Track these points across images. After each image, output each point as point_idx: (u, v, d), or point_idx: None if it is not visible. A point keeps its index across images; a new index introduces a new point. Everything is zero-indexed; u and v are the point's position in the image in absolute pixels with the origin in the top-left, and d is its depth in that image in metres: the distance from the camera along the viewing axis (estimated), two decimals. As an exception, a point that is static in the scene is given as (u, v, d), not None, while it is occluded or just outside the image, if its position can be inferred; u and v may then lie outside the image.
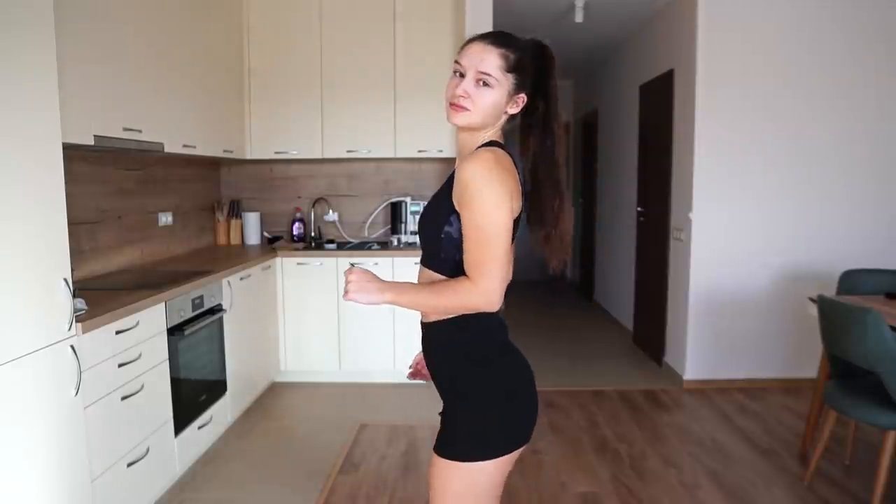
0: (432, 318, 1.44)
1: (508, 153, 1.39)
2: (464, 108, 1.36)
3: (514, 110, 1.39)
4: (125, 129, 2.81)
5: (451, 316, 1.40)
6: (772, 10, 4.06)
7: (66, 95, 2.27)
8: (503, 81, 1.35)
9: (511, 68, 1.35)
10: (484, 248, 1.28)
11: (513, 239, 1.38)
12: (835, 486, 2.89)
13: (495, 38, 1.37)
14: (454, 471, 1.38)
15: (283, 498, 2.81)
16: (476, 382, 1.39)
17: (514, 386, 1.41)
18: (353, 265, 1.43)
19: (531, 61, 1.39)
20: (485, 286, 1.29)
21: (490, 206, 1.27)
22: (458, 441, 1.39)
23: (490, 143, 1.38)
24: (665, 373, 4.61)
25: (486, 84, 1.34)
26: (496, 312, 1.44)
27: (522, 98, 1.39)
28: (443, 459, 1.40)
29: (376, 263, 4.19)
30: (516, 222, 1.37)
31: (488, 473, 1.38)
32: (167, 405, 2.75)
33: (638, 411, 3.86)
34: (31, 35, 1.90)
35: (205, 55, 3.76)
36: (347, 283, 1.36)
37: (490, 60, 1.34)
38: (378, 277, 1.38)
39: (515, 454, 1.42)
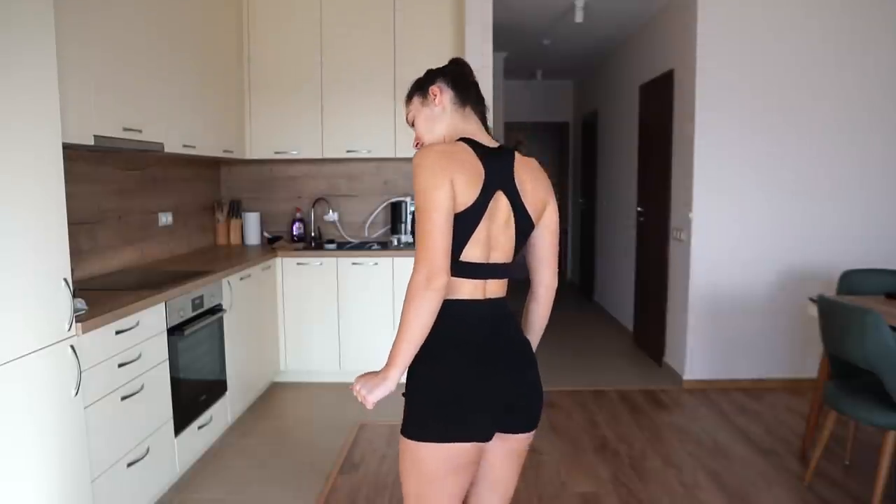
0: None
1: (470, 144, 1.48)
2: (420, 144, 1.65)
3: (437, 101, 1.58)
4: (125, 129, 2.81)
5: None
6: (772, 9, 4.06)
7: (66, 95, 2.27)
8: (415, 109, 1.64)
9: (410, 97, 1.65)
10: (417, 229, 1.40)
11: (475, 222, 1.43)
12: (835, 486, 2.89)
13: (406, 97, 1.68)
14: (402, 445, 1.49)
15: (283, 498, 2.81)
16: (422, 366, 1.44)
17: (439, 379, 1.44)
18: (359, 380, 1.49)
19: (428, 75, 1.64)
20: (417, 264, 1.38)
21: (417, 192, 1.40)
22: (404, 417, 1.49)
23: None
24: (665, 373, 4.61)
25: (414, 123, 1.66)
26: (482, 306, 1.48)
27: (432, 91, 1.58)
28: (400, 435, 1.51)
29: (376, 263, 4.19)
30: (475, 208, 1.42)
31: (428, 456, 1.44)
32: (167, 405, 2.75)
33: (638, 411, 3.86)
34: (31, 35, 1.90)
35: (205, 55, 3.76)
36: (358, 395, 1.43)
37: (406, 114, 1.68)
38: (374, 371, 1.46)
39: (462, 447, 1.44)
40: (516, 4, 4.66)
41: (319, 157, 4.48)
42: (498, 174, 1.47)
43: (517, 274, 1.61)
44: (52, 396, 1.98)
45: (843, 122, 4.13)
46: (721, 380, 4.28)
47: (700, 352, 4.28)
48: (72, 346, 2.06)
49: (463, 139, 1.50)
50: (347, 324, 4.25)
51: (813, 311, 3.01)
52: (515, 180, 1.50)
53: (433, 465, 1.45)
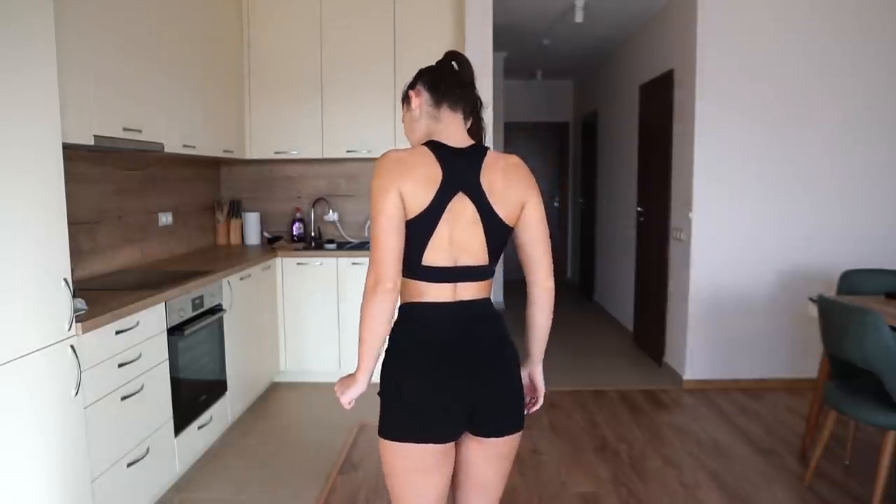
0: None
1: (433, 147, 1.48)
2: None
3: (415, 105, 1.57)
4: (125, 129, 2.81)
5: (404, 302, 1.53)
6: (772, 9, 4.06)
7: (66, 95, 2.27)
8: (404, 111, 1.63)
9: (403, 99, 1.63)
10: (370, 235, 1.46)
11: (432, 226, 1.44)
12: (835, 486, 2.89)
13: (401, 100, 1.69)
14: (378, 442, 1.54)
15: (283, 498, 2.81)
16: (388, 366, 1.51)
17: (399, 381, 1.49)
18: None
19: (414, 77, 1.62)
20: (368, 269, 1.45)
21: (371, 197, 1.45)
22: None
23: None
24: (665, 373, 4.61)
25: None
26: (453, 308, 1.48)
27: (410, 94, 1.58)
28: None
29: (376, 263, 4.18)
30: (429, 212, 1.43)
31: (392, 454, 1.49)
32: (167, 405, 2.75)
33: (638, 411, 3.86)
34: (31, 35, 1.90)
35: (205, 55, 3.76)
36: (340, 399, 1.54)
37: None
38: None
39: (420, 447, 1.46)
40: (516, 5, 4.66)
41: (319, 156, 4.48)
42: (459, 175, 1.45)
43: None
44: (52, 396, 1.98)
45: (844, 124, 4.13)
46: (721, 380, 4.28)
47: (700, 352, 4.28)
48: (72, 346, 2.06)
49: (430, 142, 1.50)
50: (347, 324, 4.24)
51: (813, 311, 3.01)
52: (482, 180, 1.47)
53: (398, 462, 1.49)
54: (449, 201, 1.44)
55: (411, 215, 1.43)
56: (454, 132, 1.52)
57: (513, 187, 1.49)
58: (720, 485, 2.91)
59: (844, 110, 4.12)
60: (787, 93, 4.10)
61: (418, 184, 1.42)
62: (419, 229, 1.44)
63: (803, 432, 3.35)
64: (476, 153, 1.50)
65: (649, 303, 5.04)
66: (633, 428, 3.59)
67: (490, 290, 1.56)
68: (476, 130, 1.59)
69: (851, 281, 3.34)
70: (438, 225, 1.44)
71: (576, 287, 8.09)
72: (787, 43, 4.08)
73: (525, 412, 1.61)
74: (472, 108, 1.57)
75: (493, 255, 1.51)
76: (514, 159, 1.55)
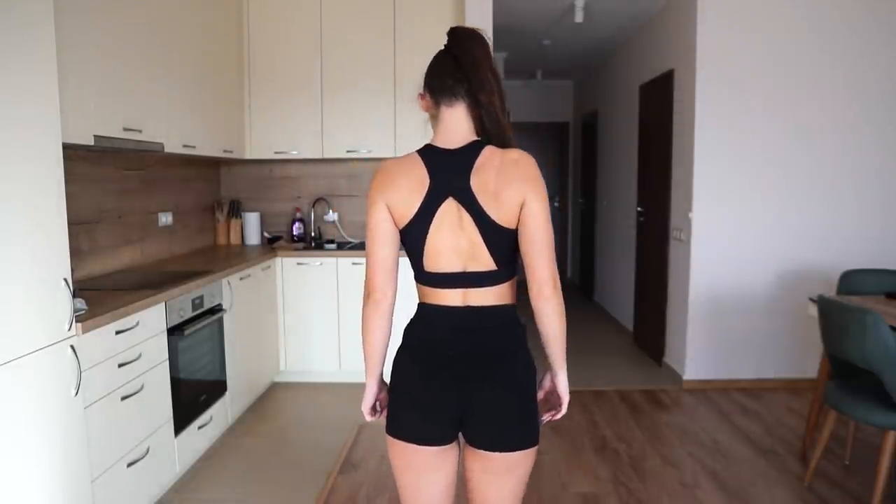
0: None
1: (423, 152, 1.45)
2: None
3: (424, 108, 1.53)
4: (125, 129, 2.81)
5: (419, 303, 1.51)
6: (772, 9, 4.06)
7: (66, 95, 2.27)
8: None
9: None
10: None
11: (423, 233, 1.41)
12: (835, 486, 2.89)
13: None
14: None
15: (283, 498, 2.81)
16: (394, 363, 1.52)
17: (397, 379, 1.50)
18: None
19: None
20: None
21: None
22: None
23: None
24: (665, 373, 4.61)
25: None
26: (461, 313, 1.42)
27: (419, 100, 1.53)
28: None
29: (376, 263, 4.18)
30: (418, 220, 1.40)
31: (389, 449, 1.52)
32: (167, 405, 2.75)
33: (638, 411, 3.86)
34: (31, 35, 1.90)
35: (205, 55, 3.76)
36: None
37: None
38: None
39: (408, 446, 1.46)
40: (516, 5, 4.66)
41: (319, 157, 4.48)
42: (448, 180, 1.38)
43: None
44: (53, 396, 1.98)
45: (844, 122, 4.13)
46: (721, 380, 4.28)
47: (700, 352, 4.28)
48: (72, 346, 2.06)
49: (425, 146, 1.46)
50: (347, 324, 4.24)
51: (813, 311, 3.01)
52: (472, 182, 1.37)
53: (395, 460, 1.52)
54: (438, 207, 1.39)
55: (402, 224, 1.41)
56: (452, 130, 1.43)
57: (508, 186, 1.35)
58: (720, 485, 2.91)
59: (848, 108, 4.12)
60: (787, 92, 4.10)
61: (405, 193, 1.40)
62: (412, 237, 1.42)
63: (803, 432, 3.35)
64: (470, 152, 1.39)
65: (649, 303, 5.04)
66: (633, 428, 3.59)
67: (512, 297, 1.47)
68: (493, 117, 1.42)
69: (851, 281, 3.34)
70: (430, 232, 1.39)
71: (576, 287, 8.09)
72: (788, 41, 4.08)
73: (542, 421, 1.50)
74: (475, 90, 1.40)
75: (501, 260, 1.41)
76: (515, 154, 1.39)
